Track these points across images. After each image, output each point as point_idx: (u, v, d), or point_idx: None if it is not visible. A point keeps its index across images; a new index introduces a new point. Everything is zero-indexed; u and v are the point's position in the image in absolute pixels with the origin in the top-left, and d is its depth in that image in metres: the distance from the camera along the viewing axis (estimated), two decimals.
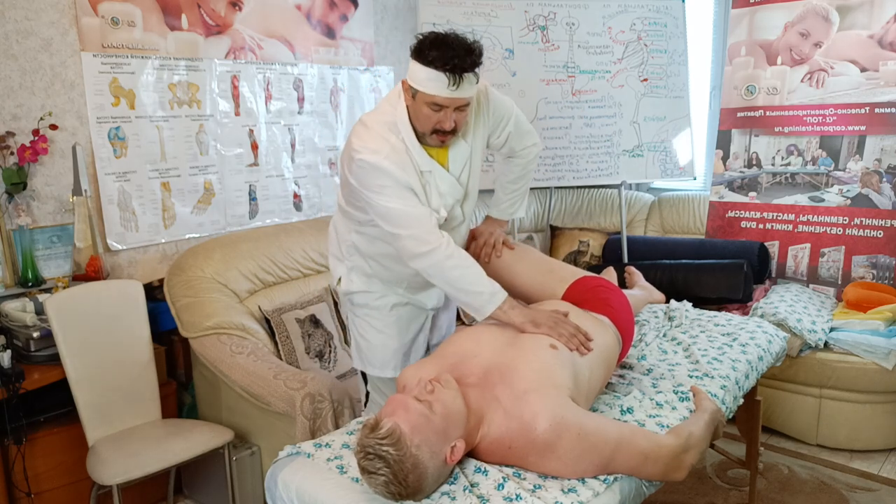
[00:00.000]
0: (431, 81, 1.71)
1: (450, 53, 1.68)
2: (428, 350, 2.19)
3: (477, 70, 1.74)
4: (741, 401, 2.02)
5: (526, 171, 2.17)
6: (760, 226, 3.73)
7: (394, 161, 1.76)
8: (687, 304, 2.59)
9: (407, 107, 1.82)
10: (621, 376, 1.97)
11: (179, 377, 3.00)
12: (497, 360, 1.60)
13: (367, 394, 2.23)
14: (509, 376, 1.53)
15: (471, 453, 1.51)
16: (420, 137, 1.82)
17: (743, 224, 3.78)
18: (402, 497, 1.35)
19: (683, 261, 3.57)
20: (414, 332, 2.13)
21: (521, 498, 1.38)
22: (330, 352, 2.93)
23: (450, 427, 1.41)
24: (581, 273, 2.08)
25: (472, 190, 1.97)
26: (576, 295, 1.97)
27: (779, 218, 3.67)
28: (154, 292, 2.88)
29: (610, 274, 2.71)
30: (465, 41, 1.72)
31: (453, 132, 1.81)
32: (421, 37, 1.74)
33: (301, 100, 3.58)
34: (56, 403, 2.45)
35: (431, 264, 1.76)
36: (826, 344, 3.00)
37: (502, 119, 2.02)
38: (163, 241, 3.09)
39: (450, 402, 1.43)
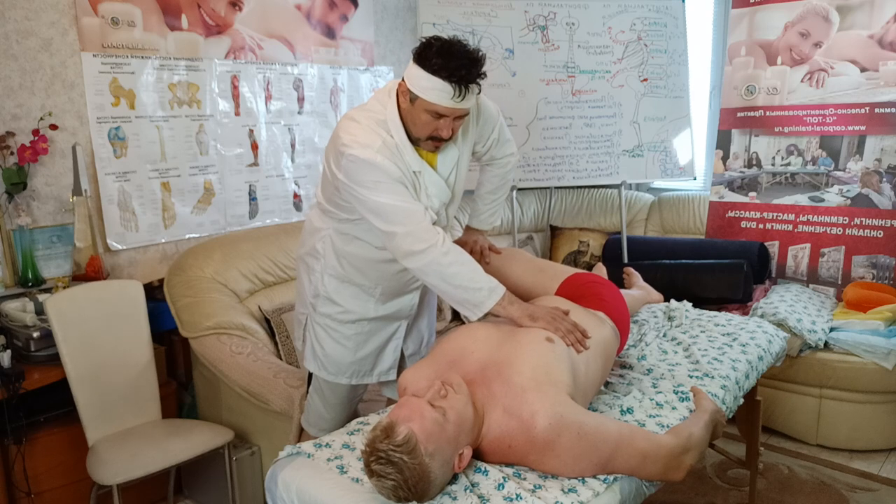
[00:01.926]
0: (435, 90, 1.68)
1: (456, 63, 1.65)
2: (403, 358, 2.16)
3: (480, 81, 1.72)
4: (741, 401, 2.02)
5: (504, 182, 2.18)
6: (760, 226, 3.73)
7: (386, 156, 1.73)
8: (687, 304, 2.59)
9: (401, 108, 1.79)
10: (621, 376, 1.97)
11: (179, 377, 3.00)
12: (494, 356, 1.59)
13: (307, 392, 2.19)
14: (506, 372, 1.53)
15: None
16: (411, 138, 1.80)
17: (743, 224, 3.78)
18: (407, 500, 1.34)
19: (683, 261, 3.57)
20: (377, 344, 2.08)
21: (521, 498, 1.38)
22: None
23: (461, 434, 1.42)
24: (571, 270, 2.08)
25: (458, 193, 1.96)
26: (568, 291, 1.97)
27: (779, 218, 3.67)
28: (154, 292, 2.88)
29: (600, 270, 2.71)
30: (469, 51, 1.69)
31: (449, 139, 1.80)
32: (424, 41, 1.71)
33: (301, 100, 3.58)
34: (56, 403, 2.45)
35: (428, 262, 1.72)
36: (826, 344, 3.00)
37: (488, 125, 2.01)
38: (163, 241, 3.09)
39: (461, 408, 1.43)
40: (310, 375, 2.15)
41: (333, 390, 2.11)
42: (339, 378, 2.07)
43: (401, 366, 2.15)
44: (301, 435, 2.26)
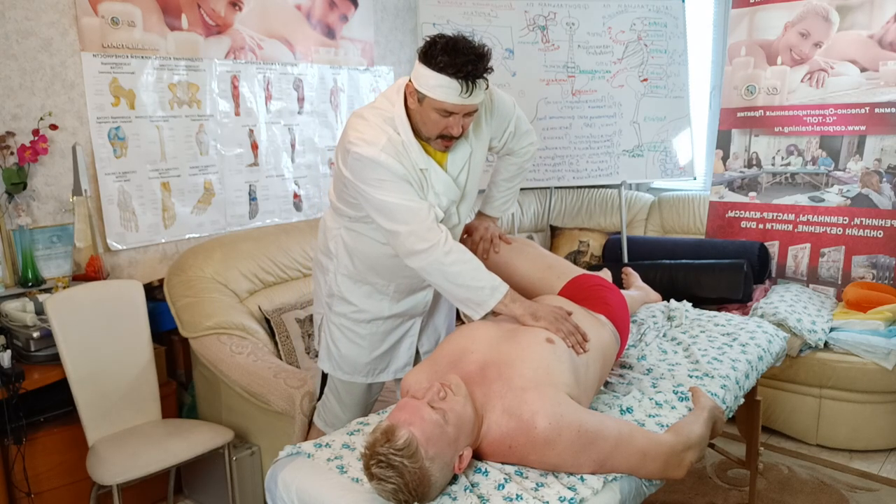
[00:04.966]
0: (442, 88, 1.67)
1: (462, 60, 1.65)
2: (418, 355, 2.16)
3: (486, 75, 1.71)
4: (741, 400, 2.02)
5: (521, 170, 2.16)
6: (760, 226, 3.73)
7: (391, 154, 1.73)
8: (687, 304, 2.59)
9: (409, 109, 1.78)
10: (621, 376, 1.97)
11: (179, 377, 3.00)
12: (493, 355, 1.59)
13: (321, 392, 2.19)
14: (507, 373, 1.53)
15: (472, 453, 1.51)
16: (418, 135, 1.80)
17: (743, 224, 3.78)
18: (407, 503, 1.34)
19: (683, 261, 3.57)
20: (392, 342, 2.09)
21: (521, 498, 1.38)
22: None
23: (461, 436, 1.42)
24: (579, 271, 2.07)
25: (470, 191, 1.94)
26: (573, 292, 1.96)
27: (779, 218, 3.67)
28: (154, 292, 2.88)
29: (605, 275, 2.71)
30: (475, 46, 1.68)
31: (459, 136, 1.79)
32: (429, 39, 1.70)
33: (301, 100, 3.58)
34: (56, 403, 2.45)
35: (430, 262, 1.72)
36: (826, 344, 3.00)
37: (504, 121, 1.99)
38: (163, 241, 3.09)
39: (461, 409, 1.43)
40: (324, 376, 2.15)
41: (349, 390, 2.11)
42: (354, 377, 2.08)
43: (416, 363, 2.14)
44: (307, 435, 2.26)
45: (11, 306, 2.45)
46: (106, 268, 2.81)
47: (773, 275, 3.66)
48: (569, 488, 1.42)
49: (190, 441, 2.35)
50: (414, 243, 1.72)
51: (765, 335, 2.29)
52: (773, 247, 3.67)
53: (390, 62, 4.06)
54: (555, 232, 4.34)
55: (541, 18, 3.80)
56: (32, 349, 2.38)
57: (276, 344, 2.82)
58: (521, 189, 4.02)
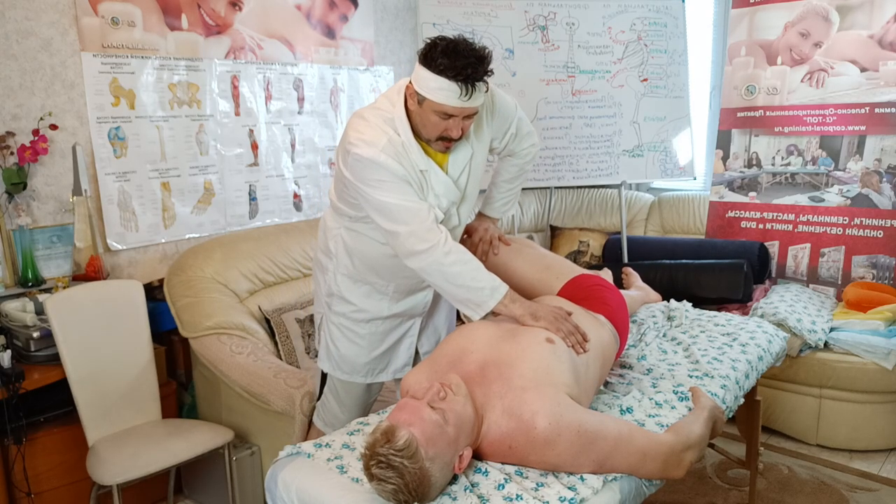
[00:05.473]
0: (442, 90, 1.67)
1: (462, 62, 1.64)
2: (417, 356, 2.17)
3: (487, 78, 1.71)
4: (741, 400, 2.02)
5: (522, 171, 2.16)
6: (760, 226, 3.73)
7: (391, 154, 1.73)
8: (687, 304, 2.59)
9: (409, 110, 1.78)
10: (621, 376, 1.97)
11: (179, 377, 3.00)
12: (493, 355, 1.59)
13: (321, 392, 2.20)
14: (507, 373, 1.53)
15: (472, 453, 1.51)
16: (419, 136, 1.80)
17: (743, 224, 3.78)
18: (407, 503, 1.35)
19: (683, 261, 3.57)
20: (391, 342, 2.09)
21: (521, 498, 1.38)
22: None
23: (461, 436, 1.42)
24: (578, 270, 2.07)
25: (471, 193, 1.94)
26: (572, 292, 1.96)
27: (779, 218, 3.67)
28: (154, 292, 2.88)
29: (606, 275, 2.70)
30: (475, 49, 1.68)
31: (459, 138, 1.79)
32: (429, 41, 1.70)
33: (301, 100, 3.58)
34: (56, 403, 2.45)
35: (430, 262, 1.72)
36: (826, 344, 3.00)
37: (505, 122, 1.99)
38: (163, 241, 3.09)
39: (460, 409, 1.43)
40: (324, 375, 2.15)
41: (348, 390, 2.11)
42: (353, 377, 2.08)
43: (416, 363, 2.14)
44: (307, 435, 2.26)
45: (11, 306, 2.45)
46: (106, 268, 2.81)
47: (773, 275, 3.66)
48: (569, 488, 1.42)
49: (190, 441, 2.35)
50: (414, 244, 1.72)
51: (765, 335, 2.29)
52: (773, 247, 3.67)
53: (390, 62, 4.06)
54: (555, 232, 4.34)
55: (541, 18, 3.80)
56: (32, 349, 2.38)
57: (276, 344, 2.82)
58: (522, 189, 4.04)
